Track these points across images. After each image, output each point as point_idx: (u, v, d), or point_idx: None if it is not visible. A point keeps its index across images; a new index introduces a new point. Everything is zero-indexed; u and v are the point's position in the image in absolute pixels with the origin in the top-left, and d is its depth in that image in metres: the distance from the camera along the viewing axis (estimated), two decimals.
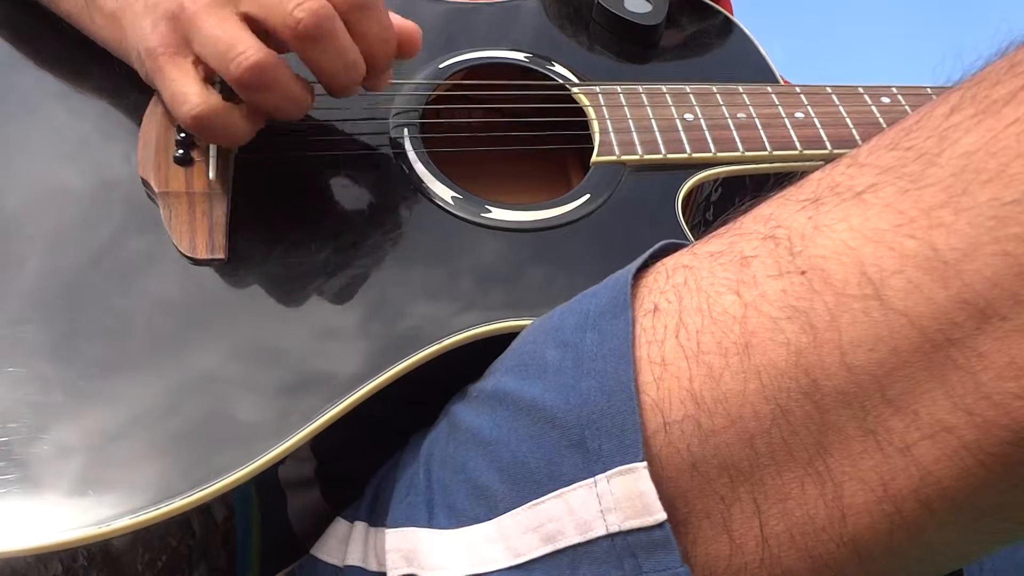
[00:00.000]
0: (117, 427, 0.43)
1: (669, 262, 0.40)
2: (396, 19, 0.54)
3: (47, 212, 0.51)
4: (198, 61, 0.50)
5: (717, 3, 0.72)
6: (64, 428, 0.42)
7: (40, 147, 0.55)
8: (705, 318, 0.36)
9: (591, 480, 0.37)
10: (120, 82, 0.57)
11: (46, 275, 0.48)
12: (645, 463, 0.35)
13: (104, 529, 0.39)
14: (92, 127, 0.56)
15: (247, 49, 0.48)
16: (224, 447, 0.43)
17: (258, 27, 0.49)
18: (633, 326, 0.38)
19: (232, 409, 0.44)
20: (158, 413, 0.44)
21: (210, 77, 0.51)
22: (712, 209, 0.62)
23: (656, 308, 0.38)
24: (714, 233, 0.39)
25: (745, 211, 0.39)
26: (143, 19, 0.51)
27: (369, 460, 0.50)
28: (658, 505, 0.35)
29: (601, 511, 0.36)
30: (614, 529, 0.36)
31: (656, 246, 0.41)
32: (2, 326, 0.46)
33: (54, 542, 0.39)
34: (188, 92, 0.49)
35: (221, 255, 0.50)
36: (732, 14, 0.73)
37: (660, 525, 0.35)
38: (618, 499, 0.36)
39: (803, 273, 0.34)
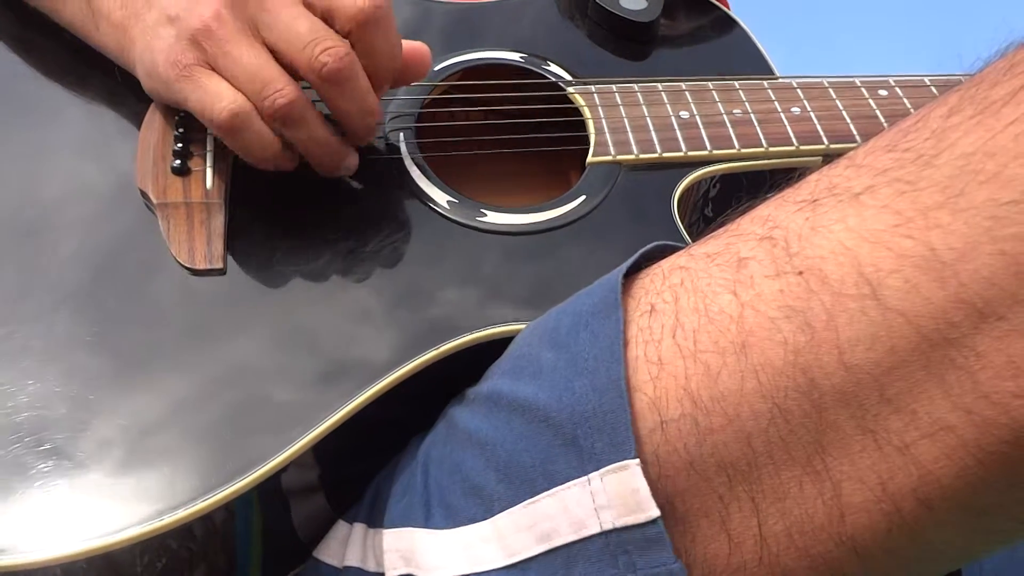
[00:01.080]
0: (137, 435, 0.43)
1: (666, 263, 0.40)
2: (404, 43, 0.55)
3: (54, 224, 0.51)
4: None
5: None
6: (68, 437, 0.42)
7: (42, 159, 0.55)
8: (702, 317, 0.36)
9: (585, 478, 0.37)
10: (122, 91, 0.57)
11: (58, 285, 0.48)
12: (638, 460, 0.35)
13: (158, 524, 0.40)
14: (93, 138, 0.56)
15: (284, 87, 0.49)
16: (241, 448, 0.43)
17: (280, 60, 0.50)
18: (627, 325, 0.38)
19: (245, 412, 0.44)
20: (171, 421, 0.44)
21: None
22: (711, 205, 0.62)
23: (653, 308, 0.38)
24: (711, 235, 0.39)
25: (742, 213, 0.39)
26: (161, 29, 0.52)
27: (368, 467, 0.50)
28: (651, 502, 0.35)
29: (595, 509, 0.36)
30: (608, 527, 0.36)
31: (648, 247, 0.41)
32: (8, 337, 0.46)
33: (100, 544, 0.40)
34: (223, 92, 0.50)
35: (219, 265, 0.50)
36: (729, 9, 0.73)
37: (653, 522, 0.35)
38: (611, 496, 0.36)
39: (800, 273, 0.34)
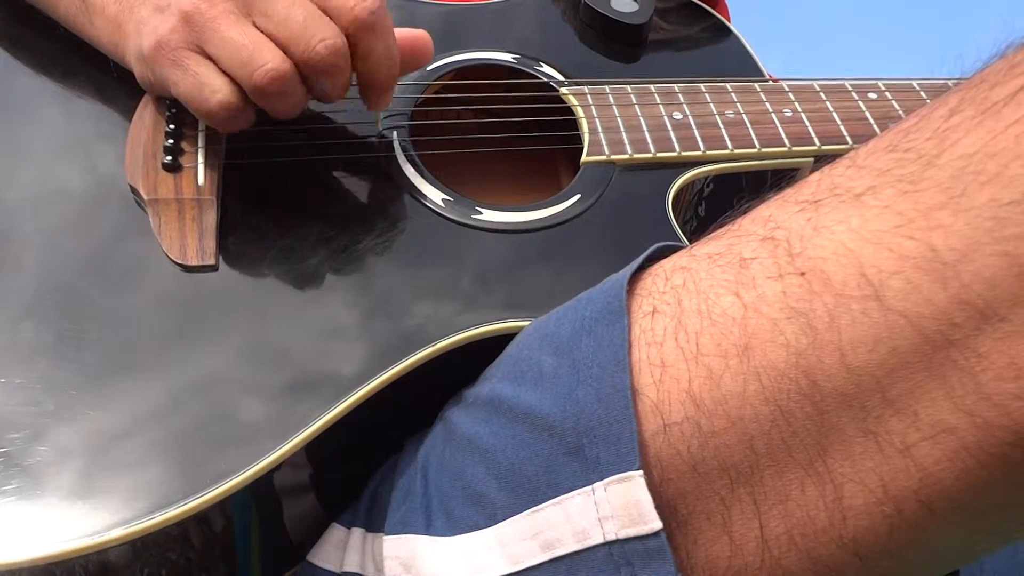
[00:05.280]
0: (113, 435, 0.42)
1: (667, 264, 0.40)
2: (405, 31, 0.54)
3: (39, 219, 0.51)
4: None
5: (713, 6, 0.72)
6: (62, 435, 0.42)
7: (30, 153, 0.54)
8: (704, 320, 0.36)
9: (589, 488, 0.37)
10: (112, 86, 0.57)
11: (41, 281, 0.48)
12: (641, 471, 0.35)
13: (107, 537, 0.39)
14: (82, 133, 0.56)
15: (273, 59, 0.49)
16: (224, 452, 0.42)
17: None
18: (631, 329, 0.38)
19: (231, 414, 0.44)
20: (156, 419, 0.43)
21: None
22: (704, 204, 0.62)
23: (655, 310, 0.38)
24: (712, 235, 0.39)
25: (743, 213, 0.39)
26: (152, 17, 0.52)
27: (365, 465, 0.49)
28: (654, 514, 0.35)
29: (599, 519, 0.36)
30: (611, 537, 0.36)
31: (651, 249, 0.41)
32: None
33: (58, 552, 0.39)
34: (215, 83, 0.50)
35: (211, 261, 0.49)
36: (728, 15, 0.73)
37: (655, 534, 0.35)
38: (615, 507, 0.36)
39: (802, 274, 0.34)
